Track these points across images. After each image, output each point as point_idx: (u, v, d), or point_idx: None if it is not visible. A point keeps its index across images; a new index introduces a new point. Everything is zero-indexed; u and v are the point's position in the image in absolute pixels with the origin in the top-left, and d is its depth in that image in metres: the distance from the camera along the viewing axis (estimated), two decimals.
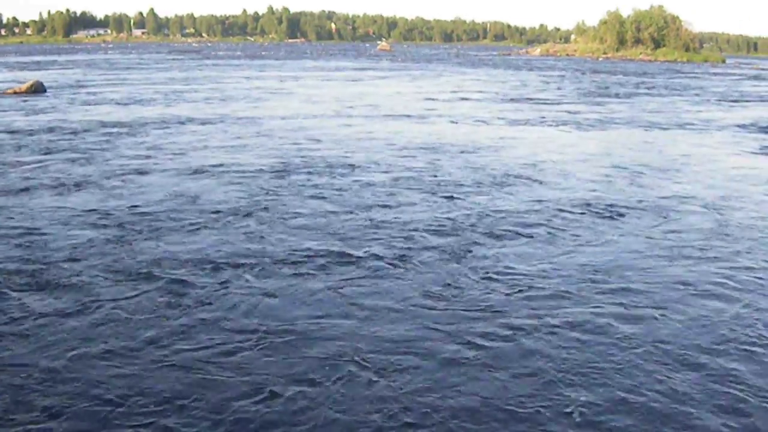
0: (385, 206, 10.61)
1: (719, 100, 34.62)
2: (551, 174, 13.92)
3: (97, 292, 6.92)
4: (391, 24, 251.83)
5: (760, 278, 7.85)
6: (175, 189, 11.40)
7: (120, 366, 5.46)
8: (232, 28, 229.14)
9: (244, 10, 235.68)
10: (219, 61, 69.33)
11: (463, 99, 30.45)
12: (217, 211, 10.04)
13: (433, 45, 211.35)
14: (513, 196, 11.70)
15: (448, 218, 9.97)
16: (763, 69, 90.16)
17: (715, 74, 67.39)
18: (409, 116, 23.11)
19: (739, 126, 23.65)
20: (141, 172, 12.76)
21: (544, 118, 23.97)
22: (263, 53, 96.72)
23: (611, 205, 11.18)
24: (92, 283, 7.12)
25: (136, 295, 6.85)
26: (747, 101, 35.07)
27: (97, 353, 5.66)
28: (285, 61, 72.98)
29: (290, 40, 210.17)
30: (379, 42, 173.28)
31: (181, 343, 5.87)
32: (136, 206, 10.18)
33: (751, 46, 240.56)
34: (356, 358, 5.67)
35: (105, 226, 9.08)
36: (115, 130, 18.33)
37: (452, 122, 21.95)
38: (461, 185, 12.39)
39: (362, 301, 6.85)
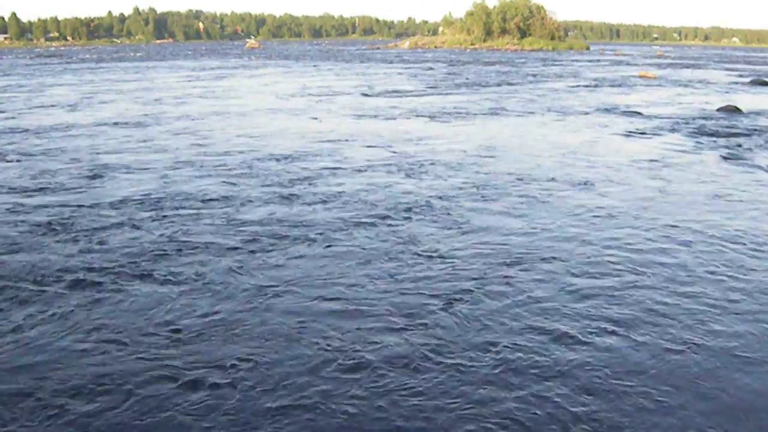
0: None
1: (584, 86, 35.21)
2: (435, 162, 13.67)
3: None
4: (260, 21, 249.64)
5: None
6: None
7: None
8: (97, 31, 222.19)
9: (110, 12, 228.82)
10: (90, 64, 66.64)
11: (333, 94, 29.77)
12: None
13: (303, 41, 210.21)
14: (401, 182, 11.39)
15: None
16: (625, 55, 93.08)
17: (580, 61, 68.95)
18: (290, 111, 22.39)
19: (604, 110, 23.94)
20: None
21: (415, 109, 23.55)
22: (132, 54, 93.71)
23: (511, 184, 11.04)
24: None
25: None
26: (609, 86, 35.79)
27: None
28: (162, 62, 70.82)
29: (158, 41, 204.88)
30: (248, 40, 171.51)
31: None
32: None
33: (613, 32, 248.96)
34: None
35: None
36: None
37: (325, 117, 21.34)
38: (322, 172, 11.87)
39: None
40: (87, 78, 42.07)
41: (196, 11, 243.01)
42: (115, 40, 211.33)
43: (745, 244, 8.78)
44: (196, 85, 35.67)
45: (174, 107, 24.24)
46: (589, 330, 6.13)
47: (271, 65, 59.56)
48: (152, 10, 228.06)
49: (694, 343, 5.93)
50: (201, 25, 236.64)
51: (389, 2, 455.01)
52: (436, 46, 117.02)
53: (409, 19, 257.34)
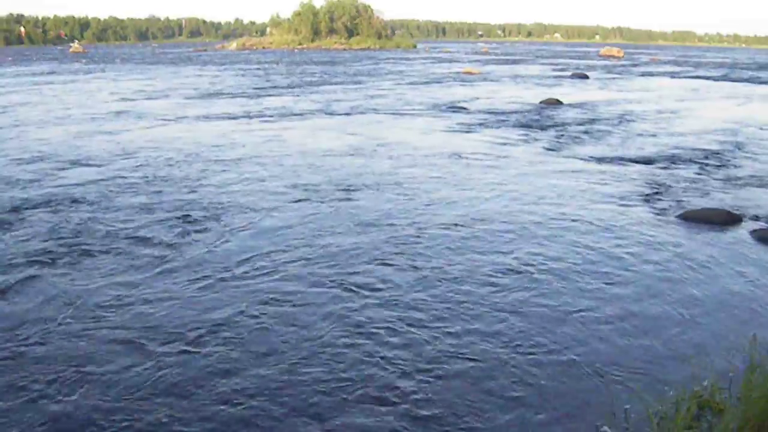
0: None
1: (411, 84, 35.61)
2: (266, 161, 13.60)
3: None
4: (84, 25, 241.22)
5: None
6: None
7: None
8: None
9: None
10: None
11: (151, 99, 28.64)
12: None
13: (129, 45, 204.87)
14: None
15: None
16: (451, 52, 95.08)
17: (407, 60, 69.90)
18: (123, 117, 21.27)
19: (431, 107, 24.20)
20: None
21: (243, 111, 22.96)
22: None
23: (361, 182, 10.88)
24: None
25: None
26: (436, 84, 36.36)
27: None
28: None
29: None
30: (71, 44, 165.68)
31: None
32: None
33: (439, 30, 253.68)
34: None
35: None
36: None
37: (163, 122, 20.42)
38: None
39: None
40: None
41: (17, 15, 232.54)
42: None
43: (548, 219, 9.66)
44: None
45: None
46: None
47: (95, 70, 56.93)
48: None
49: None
50: (23, 29, 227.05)
51: (216, 3, 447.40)
52: (264, 47, 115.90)
53: (237, 20, 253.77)
